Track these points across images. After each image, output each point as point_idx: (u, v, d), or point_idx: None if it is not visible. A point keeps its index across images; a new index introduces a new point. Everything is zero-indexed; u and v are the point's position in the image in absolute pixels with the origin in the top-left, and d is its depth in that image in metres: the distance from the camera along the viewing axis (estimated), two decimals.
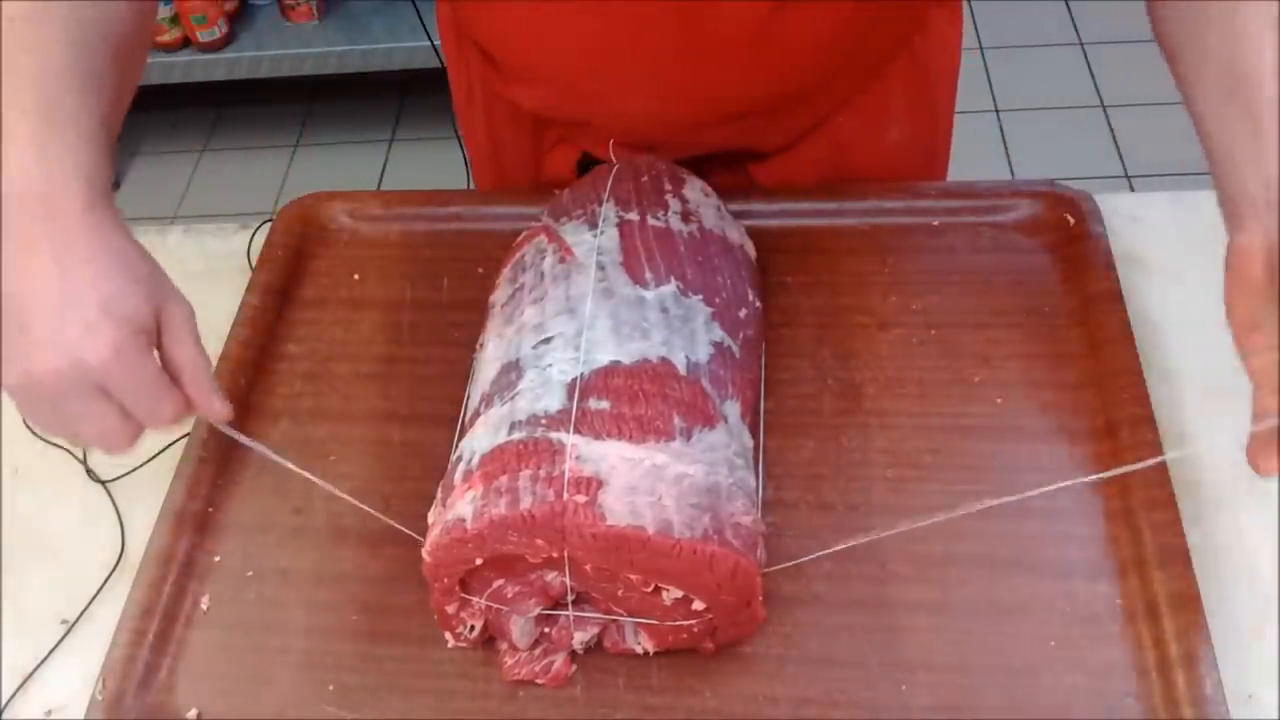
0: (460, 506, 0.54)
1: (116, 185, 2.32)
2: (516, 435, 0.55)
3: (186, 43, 2.15)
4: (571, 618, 0.58)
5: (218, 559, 0.67)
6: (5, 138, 0.50)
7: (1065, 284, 0.73)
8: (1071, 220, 0.74)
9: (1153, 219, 0.79)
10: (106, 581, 0.68)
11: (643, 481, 0.53)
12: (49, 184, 0.50)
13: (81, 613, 0.67)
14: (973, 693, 0.57)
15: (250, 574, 0.66)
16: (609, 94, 0.72)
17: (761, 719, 0.58)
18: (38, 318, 0.49)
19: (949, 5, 0.81)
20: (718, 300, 0.63)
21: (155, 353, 0.52)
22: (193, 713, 0.61)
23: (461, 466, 0.56)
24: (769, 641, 0.60)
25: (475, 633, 0.59)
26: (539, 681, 0.59)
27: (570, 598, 0.57)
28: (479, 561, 0.54)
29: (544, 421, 0.55)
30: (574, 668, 0.60)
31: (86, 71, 0.53)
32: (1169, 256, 0.76)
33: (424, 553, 0.55)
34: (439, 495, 0.58)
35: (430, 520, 0.57)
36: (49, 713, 0.63)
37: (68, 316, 0.49)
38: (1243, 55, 0.52)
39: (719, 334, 0.61)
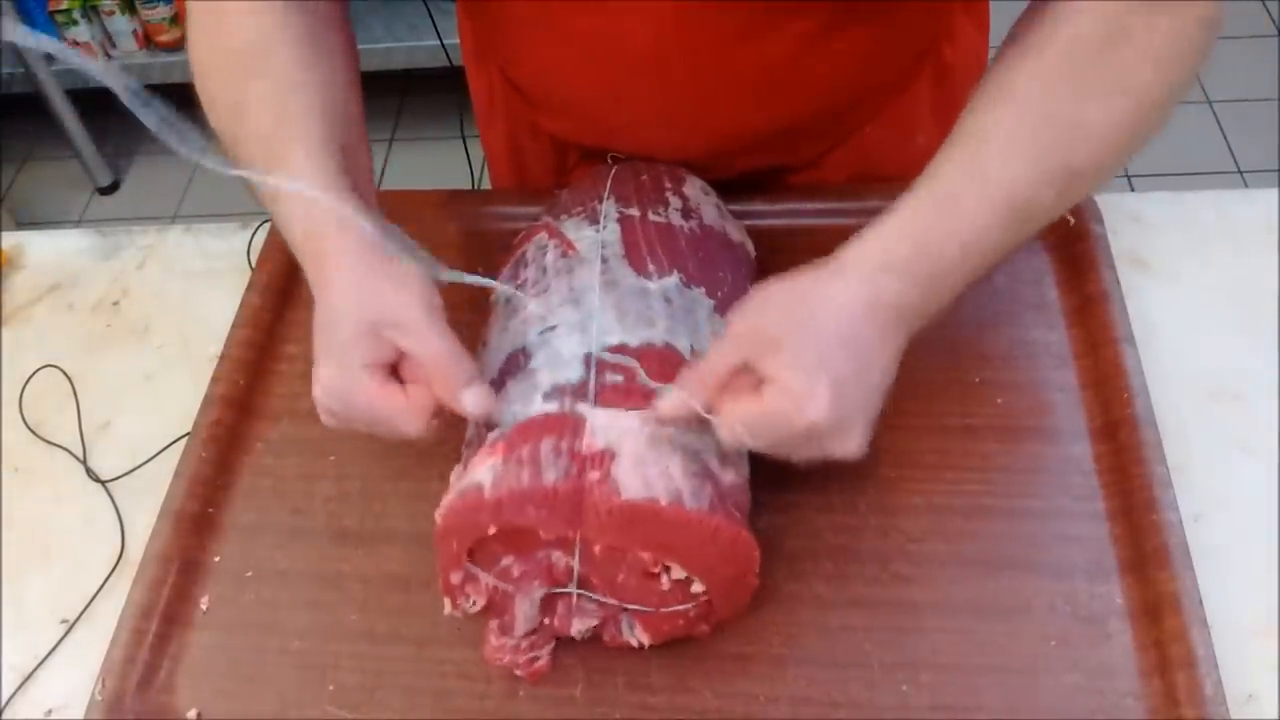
0: (479, 473, 0.54)
1: (116, 185, 2.33)
2: (549, 405, 0.55)
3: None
4: (574, 601, 0.58)
5: (217, 559, 0.67)
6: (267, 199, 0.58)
7: (1065, 284, 0.73)
8: (1072, 220, 0.74)
9: (1153, 219, 0.79)
10: (106, 581, 0.68)
11: (650, 451, 0.53)
12: (303, 249, 0.57)
13: (81, 613, 0.67)
14: (973, 693, 0.57)
15: (250, 574, 0.66)
16: (628, 129, 0.72)
17: (762, 719, 0.58)
18: (316, 354, 0.56)
19: (976, 9, 0.80)
20: (720, 294, 0.63)
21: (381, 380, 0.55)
22: (192, 713, 0.61)
23: (495, 432, 0.56)
24: (769, 641, 0.60)
25: (476, 607, 0.59)
26: (518, 672, 0.59)
27: (574, 582, 0.57)
28: (492, 530, 0.54)
29: (569, 392, 0.55)
30: (551, 665, 0.60)
31: (293, 115, 0.59)
32: (1169, 256, 0.76)
33: (437, 516, 0.55)
34: (463, 456, 0.58)
35: (451, 481, 0.57)
36: (49, 713, 0.63)
37: (316, 345, 0.55)
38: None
39: (721, 327, 0.61)
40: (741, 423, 0.52)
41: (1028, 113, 0.54)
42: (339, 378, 0.54)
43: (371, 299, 0.54)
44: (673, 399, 0.53)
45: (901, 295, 0.53)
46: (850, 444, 0.53)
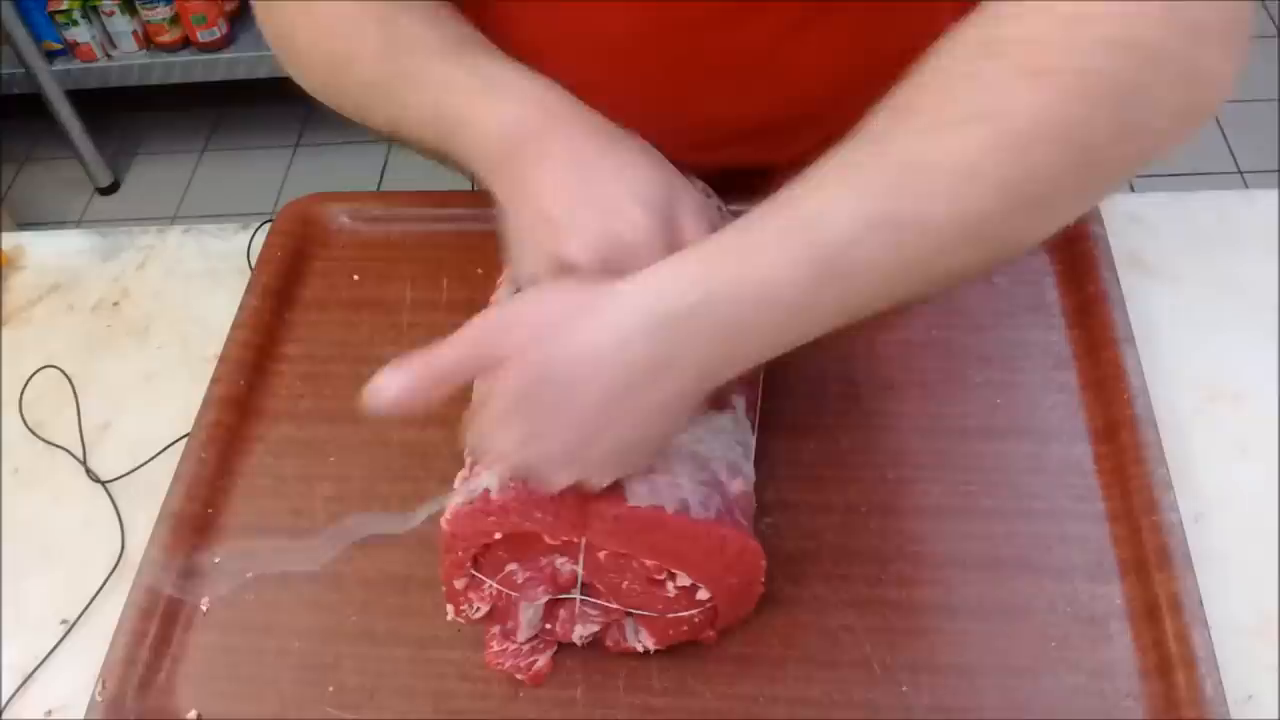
0: (486, 477, 0.54)
1: (116, 186, 2.33)
2: None
3: (186, 43, 2.15)
4: (577, 607, 0.58)
5: (217, 560, 0.67)
6: (470, 103, 0.54)
7: (1065, 284, 0.73)
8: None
9: (1153, 219, 0.78)
10: (106, 582, 0.68)
11: (659, 460, 0.53)
12: (534, 116, 0.52)
13: (81, 613, 0.67)
14: (973, 693, 0.57)
15: (250, 575, 0.66)
16: (611, 116, 0.72)
17: None
18: (563, 211, 0.49)
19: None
20: None
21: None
22: (192, 714, 0.61)
23: None
24: (769, 642, 0.60)
25: (480, 614, 0.59)
26: (519, 676, 0.59)
27: (578, 589, 0.57)
28: (498, 536, 0.54)
29: None
30: (552, 667, 0.60)
31: (463, 35, 0.58)
32: (1169, 257, 0.76)
33: (443, 521, 0.55)
34: (466, 462, 0.58)
35: (455, 486, 0.57)
36: (49, 713, 0.63)
37: (594, 204, 0.49)
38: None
39: None
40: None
41: (860, 146, 0.45)
42: (652, 220, 0.48)
43: (661, 176, 0.50)
44: (386, 389, 0.47)
45: (686, 343, 0.45)
46: (553, 479, 0.49)
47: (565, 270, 0.48)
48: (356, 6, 0.60)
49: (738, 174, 0.79)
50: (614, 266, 0.47)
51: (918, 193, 0.43)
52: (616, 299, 0.45)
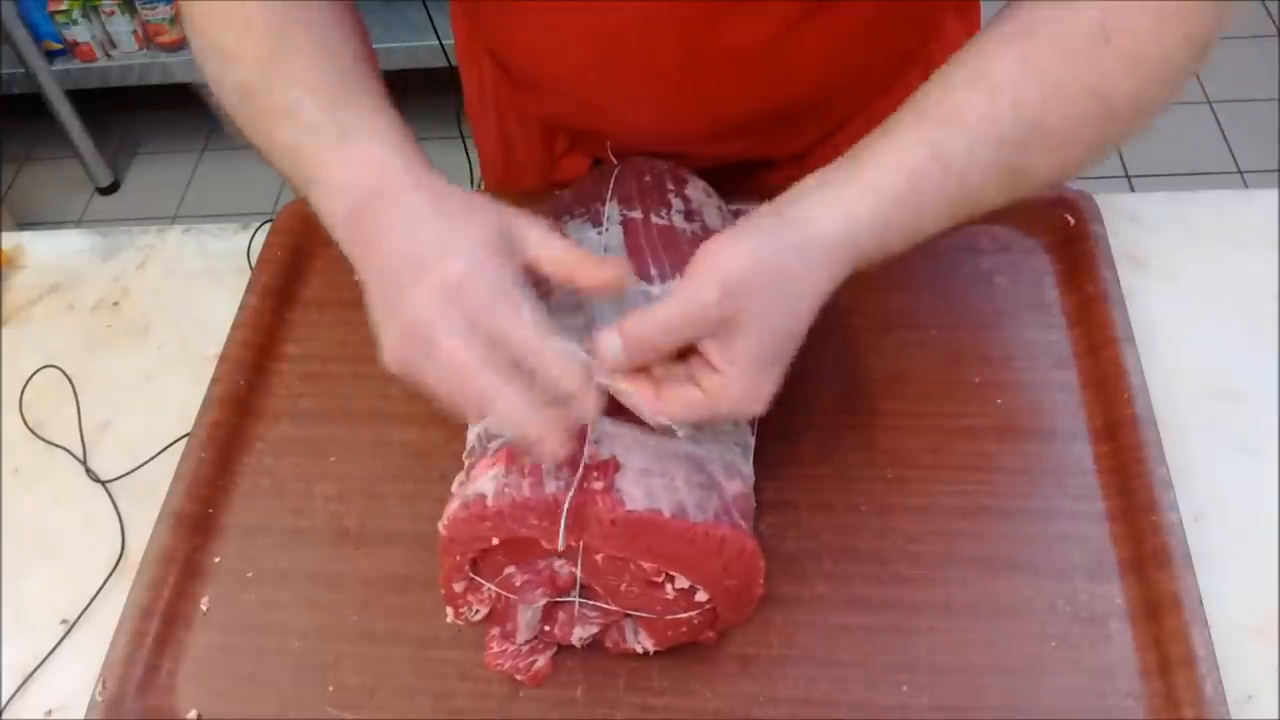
0: (482, 483, 0.54)
1: (116, 186, 2.33)
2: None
3: (187, 42, 2.15)
4: (576, 610, 0.58)
5: (217, 560, 0.67)
6: (323, 158, 0.56)
7: (1065, 284, 0.73)
8: (1071, 220, 0.74)
9: (1153, 219, 0.79)
10: (106, 581, 0.68)
11: (655, 463, 0.53)
12: (379, 175, 0.54)
13: (81, 613, 0.67)
14: (973, 693, 0.57)
15: (250, 575, 0.66)
16: (615, 108, 0.72)
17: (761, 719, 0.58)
18: (409, 272, 0.51)
19: (967, 16, 0.80)
20: None
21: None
22: (192, 714, 0.61)
23: (498, 440, 0.55)
24: (770, 642, 0.60)
25: (479, 616, 0.59)
26: (519, 677, 0.59)
27: (576, 591, 0.57)
28: (495, 541, 0.54)
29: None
30: (552, 667, 0.60)
31: (345, 71, 0.59)
32: (1169, 256, 0.76)
33: (440, 526, 0.55)
34: (465, 465, 0.58)
35: (453, 490, 0.57)
36: (49, 713, 0.63)
37: (427, 254, 0.51)
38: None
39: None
40: (675, 411, 0.51)
41: (998, 105, 0.53)
42: (482, 248, 0.51)
43: (494, 215, 0.53)
44: (612, 352, 0.51)
45: (845, 277, 0.54)
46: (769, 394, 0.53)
47: (410, 324, 0.50)
48: (253, 3, 0.60)
49: (740, 166, 0.79)
50: (462, 302, 0.50)
51: (1033, 150, 0.54)
52: (817, 246, 0.53)
